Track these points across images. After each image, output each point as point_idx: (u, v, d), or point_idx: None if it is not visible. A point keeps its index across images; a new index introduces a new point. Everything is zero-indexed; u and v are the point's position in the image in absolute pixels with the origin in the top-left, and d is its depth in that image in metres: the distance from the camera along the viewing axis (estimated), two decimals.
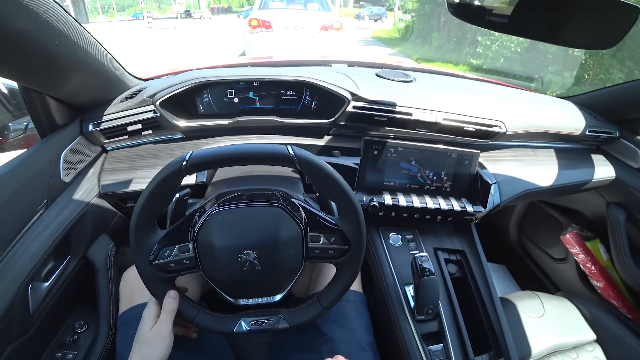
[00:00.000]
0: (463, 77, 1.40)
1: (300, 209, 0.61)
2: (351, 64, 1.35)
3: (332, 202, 0.79)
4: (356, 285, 0.84)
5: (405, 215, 0.89)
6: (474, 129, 0.95)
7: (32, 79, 0.69)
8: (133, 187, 0.87)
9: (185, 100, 0.92)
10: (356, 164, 0.92)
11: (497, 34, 6.76)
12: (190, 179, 0.88)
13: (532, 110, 1.05)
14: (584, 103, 1.14)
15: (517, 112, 1.00)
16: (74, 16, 0.66)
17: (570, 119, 1.06)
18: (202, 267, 0.57)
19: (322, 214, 0.62)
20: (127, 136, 0.91)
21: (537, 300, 0.99)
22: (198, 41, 12.72)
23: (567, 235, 1.17)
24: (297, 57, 1.78)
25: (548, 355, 0.89)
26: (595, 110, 1.12)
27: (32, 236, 0.69)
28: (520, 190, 0.97)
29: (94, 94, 0.87)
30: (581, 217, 1.25)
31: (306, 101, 0.98)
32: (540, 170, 1.03)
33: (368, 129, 0.97)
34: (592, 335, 0.94)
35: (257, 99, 0.96)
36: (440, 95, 1.00)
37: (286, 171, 0.86)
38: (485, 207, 0.90)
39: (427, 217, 0.90)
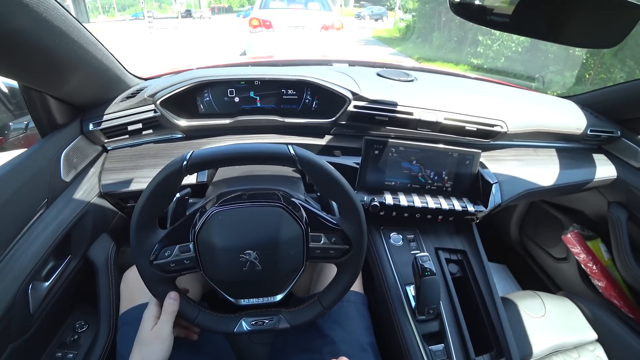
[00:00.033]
0: (464, 76, 1.40)
1: (301, 208, 0.61)
2: (352, 64, 1.35)
3: (333, 202, 0.79)
4: (357, 286, 0.84)
5: (406, 215, 0.89)
6: (475, 129, 0.94)
7: (33, 78, 0.69)
8: (133, 187, 0.87)
9: (186, 100, 0.92)
10: (357, 163, 0.91)
11: (498, 33, 6.76)
12: (190, 179, 0.88)
13: (533, 110, 1.04)
14: (585, 102, 1.14)
15: (519, 111, 1.00)
16: (74, 15, 0.66)
17: (572, 119, 1.06)
18: (203, 267, 0.57)
19: (323, 214, 0.62)
20: (127, 135, 0.91)
21: (538, 300, 0.99)
22: (199, 41, 12.71)
23: (569, 235, 1.17)
24: (298, 56, 1.78)
25: (549, 354, 0.89)
26: (597, 110, 1.11)
27: (32, 236, 0.69)
28: (521, 190, 0.97)
29: (94, 93, 0.86)
30: (582, 216, 1.25)
31: (307, 101, 0.98)
32: (542, 170, 1.03)
33: (369, 129, 0.97)
34: (594, 335, 0.94)
35: (258, 98, 0.96)
36: (441, 94, 0.99)
37: (287, 171, 0.86)
38: (486, 207, 0.90)
39: (428, 216, 0.89)
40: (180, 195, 0.70)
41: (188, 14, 30.14)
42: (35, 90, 0.73)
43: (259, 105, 0.97)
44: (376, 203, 0.85)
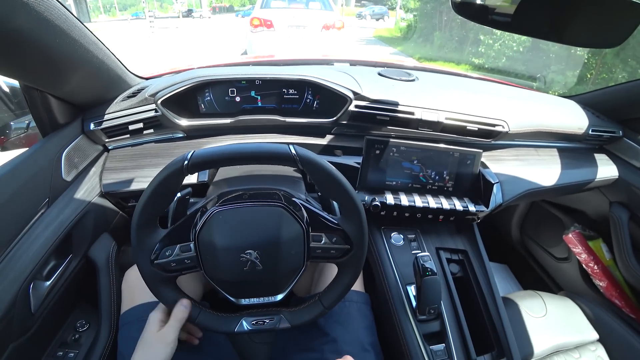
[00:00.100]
0: (465, 76, 1.40)
1: (302, 208, 0.61)
2: (353, 63, 1.35)
3: (334, 202, 0.78)
4: (358, 285, 0.84)
5: (407, 214, 0.89)
6: (476, 128, 0.94)
7: (34, 78, 0.69)
8: (134, 186, 0.87)
9: (187, 99, 0.92)
10: (358, 163, 0.91)
11: (499, 32, 6.75)
12: (191, 178, 0.88)
13: (535, 110, 1.04)
14: (587, 102, 1.14)
15: (520, 111, 1.00)
16: (76, 15, 0.66)
17: (573, 118, 1.06)
18: (204, 266, 0.57)
19: (324, 214, 0.62)
20: (128, 135, 0.91)
21: (539, 300, 0.99)
22: (199, 40, 12.71)
23: (570, 235, 1.17)
24: (299, 56, 1.78)
25: (550, 354, 0.89)
26: (598, 110, 1.11)
27: (33, 235, 0.69)
28: (522, 190, 0.97)
29: (95, 92, 0.87)
30: (584, 216, 1.25)
31: (308, 100, 0.98)
32: (543, 170, 1.03)
33: (370, 128, 0.97)
34: (595, 335, 0.93)
35: (259, 98, 0.96)
36: (442, 94, 0.99)
37: (288, 170, 0.86)
38: (487, 207, 0.89)
39: (429, 216, 0.89)
40: (181, 194, 0.70)
41: (189, 13, 30.13)
42: (37, 90, 0.73)
43: (260, 104, 0.97)
44: (377, 203, 0.85)
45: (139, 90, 0.92)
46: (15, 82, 0.87)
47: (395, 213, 0.89)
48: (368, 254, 0.90)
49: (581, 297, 1.03)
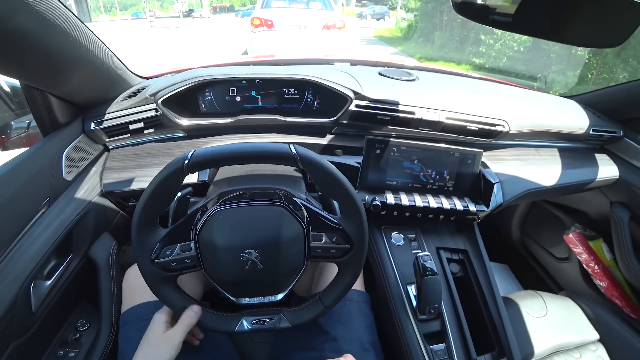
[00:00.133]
0: (466, 76, 1.40)
1: (303, 208, 0.61)
2: (354, 63, 1.34)
3: (335, 201, 0.78)
4: (359, 285, 0.84)
5: (407, 214, 0.89)
6: (477, 128, 0.94)
7: (34, 77, 0.69)
8: (135, 186, 0.87)
9: (187, 99, 0.92)
10: (359, 163, 0.91)
11: (500, 32, 6.75)
12: (192, 178, 0.88)
13: (536, 110, 1.04)
14: (588, 102, 1.14)
15: (520, 111, 1.00)
16: (76, 15, 0.66)
17: (574, 118, 1.06)
18: (204, 266, 0.57)
19: (325, 213, 0.62)
20: (129, 135, 0.91)
21: (539, 300, 0.99)
22: (200, 40, 12.71)
23: (570, 235, 1.17)
24: (300, 55, 1.78)
25: (551, 354, 0.89)
26: (599, 110, 1.11)
27: (34, 234, 0.69)
28: (523, 190, 0.97)
29: (96, 92, 0.87)
30: (584, 216, 1.25)
31: (308, 100, 0.98)
32: (544, 170, 1.03)
33: (371, 128, 0.97)
34: (595, 335, 0.93)
35: (260, 97, 0.96)
36: (443, 94, 0.99)
37: (288, 170, 0.86)
38: (488, 207, 0.89)
39: (430, 216, 0.89)
40: (182, 194, 0.70)
41: (190, 13, 30.11)
42: (37, 89, 0.73)
43: (260, 104, 0.97)
44: (377, 202, 0.85)
45: (140, 90, 0.92)
46: (16, 82, 0.87)
47: (395, 213, 0.89)
48: (368, 253, 0.90)
49: (582, 297, 1.03)
